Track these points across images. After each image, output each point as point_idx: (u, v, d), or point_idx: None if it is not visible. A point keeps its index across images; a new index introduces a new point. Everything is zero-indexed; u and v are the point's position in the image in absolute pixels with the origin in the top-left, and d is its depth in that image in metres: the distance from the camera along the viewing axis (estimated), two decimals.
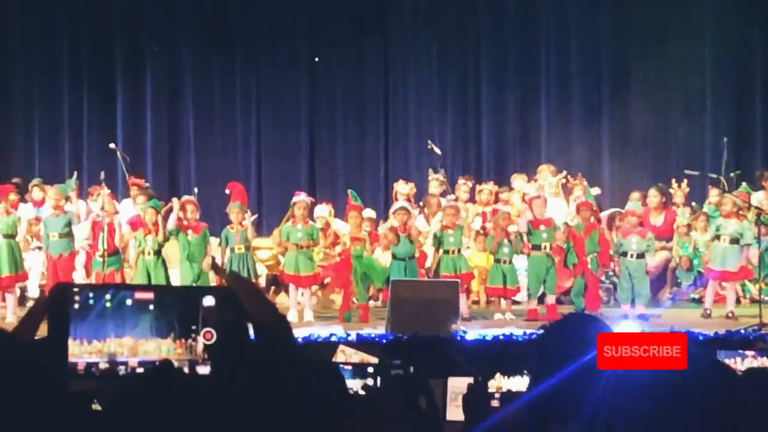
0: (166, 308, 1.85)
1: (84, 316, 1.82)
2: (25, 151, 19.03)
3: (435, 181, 15.94)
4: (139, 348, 1.83)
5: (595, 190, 15.56)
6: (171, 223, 13.25)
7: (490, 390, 6.88)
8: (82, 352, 1.81)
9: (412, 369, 5.41)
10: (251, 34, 19.25)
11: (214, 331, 1.81)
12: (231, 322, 1.81)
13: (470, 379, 6.57)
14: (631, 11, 18.76)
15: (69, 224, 13.60)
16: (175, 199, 13.72)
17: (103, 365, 1.83)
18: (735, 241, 13.28)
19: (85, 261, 14.36)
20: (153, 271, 12.99)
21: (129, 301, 1.83)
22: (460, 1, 19.46)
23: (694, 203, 15.77)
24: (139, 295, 1.84)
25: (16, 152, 19.03)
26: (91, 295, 1.83)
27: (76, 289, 1.84)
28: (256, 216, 15.67)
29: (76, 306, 1.82)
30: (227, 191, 13.87)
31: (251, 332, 1.79)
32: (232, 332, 1.80)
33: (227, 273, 2.20)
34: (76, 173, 15.40)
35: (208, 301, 1.83)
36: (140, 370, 1.84)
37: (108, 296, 1.84)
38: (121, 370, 1.84)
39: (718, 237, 13.42)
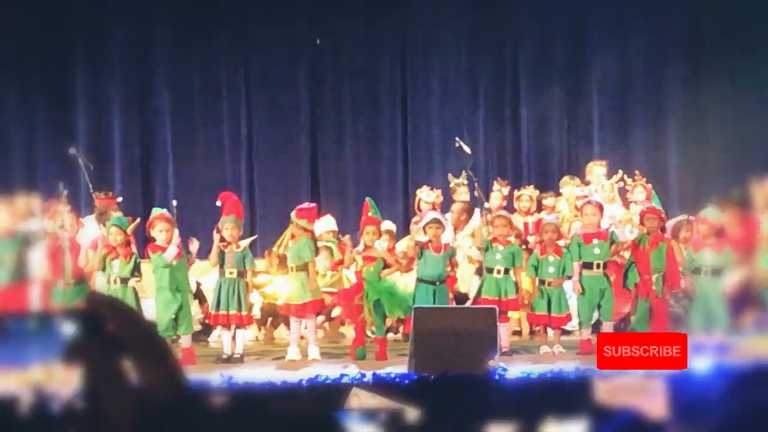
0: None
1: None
2: None
3: (462, 187, 15.97)
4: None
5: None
6: (171, 255, 13.16)
7: None
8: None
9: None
10: (239, 13, 19.29)
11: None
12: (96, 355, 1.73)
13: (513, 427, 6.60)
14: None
15: (21, 248, 13.60)
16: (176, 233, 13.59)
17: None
18: None
19: (41, 291, 14.35)
20: None
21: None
22: None
23: None
24: None
25: None
26: None
27: None
28: (255, 237, 15.70)
29: None
30: (218, 203, 13.85)
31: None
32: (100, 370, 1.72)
33: (88, 295, 2.05)
34: None
35: (68, 329, 1.77)
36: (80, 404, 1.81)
37: None
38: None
39: None
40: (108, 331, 1.69)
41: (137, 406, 1.64)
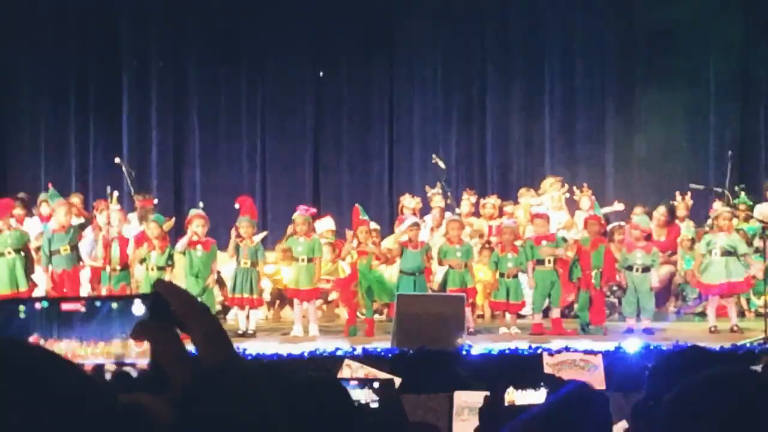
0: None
1: (90, 319, 1.81)
2: (32, 166, 19.01)
3: (437, 196, 15.95)
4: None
5: (619, 206, 15.63)
6: (181, 246, 13.18)
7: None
8: (88, 353, 1.79)
9: None
10: (257, 49, 19.28)
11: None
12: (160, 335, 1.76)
13: (479, 393, 6.56)
14: (635, 28, 18.80)
15: (75, 239, 13.56)
16: (190, 229, 13.55)
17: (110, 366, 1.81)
18: (727, 253, 13.24)
19: (91, 276, 14.33)
20: None
21: (114, 305, 1.80)
22: (466, 20, 19.41)
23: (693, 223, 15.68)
24: (66, 306, 1.81)
25: (23, 167, 19.02)
26: (21, 308, 1.80)
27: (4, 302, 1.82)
28: (266, 233, 15.68)
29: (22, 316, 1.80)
30: (236, 205, 13.84)
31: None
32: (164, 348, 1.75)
33: (157, 281, 2.09)
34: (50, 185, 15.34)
35: (137, 309, 1.78)
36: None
37: (38, 307, 1.82)
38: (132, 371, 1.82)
39: (710, 252, 13.36)
40: (172, 311, 1.72)
41: (194, 371, 1.67)
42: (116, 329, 1.79)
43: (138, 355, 1.78)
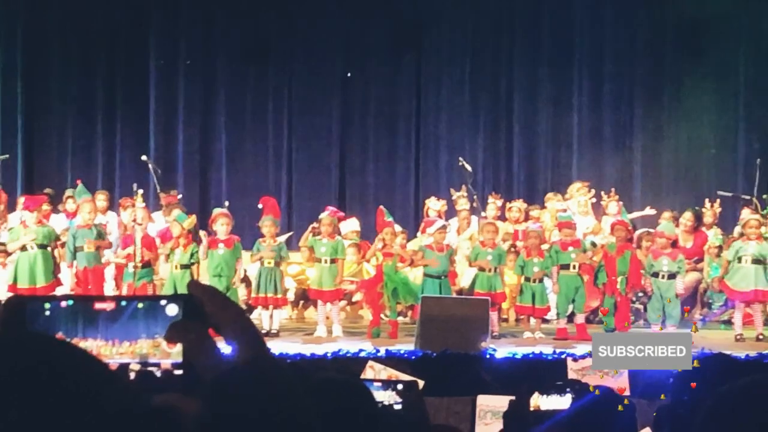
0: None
1: (115, 318, 1.80)
2: (59, 162, 19.07)
3: (462, 199, 15.92)
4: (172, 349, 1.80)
5: (650, 211, 15.56)
6: (201, 251, 13.19)
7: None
8: (113, 353, 1.78)
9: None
10: (285, 49, 19.27)
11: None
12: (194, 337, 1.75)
13: (502, 398, 6.52)
14: (665, 32, 18.73)
15: (100, 236, 13.58)
16: (203, 233, 13.57)
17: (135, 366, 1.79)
18: (757, 261, 13.15)
19: (115, 273, 14.35)
20: (180, 284, 12.84)
21: (163, 302, 1.80)
22: (495, 22, 19.40)
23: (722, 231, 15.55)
24: (99, 305, 1.79)
25: (50, 164, 19.09)
26: (47, 306, 1.78)
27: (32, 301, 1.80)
28: (291, 234, 15.67)
29: (47, 314, 1.79)
30: (260, 205, 13.84)
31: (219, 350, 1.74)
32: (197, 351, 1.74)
33: (190, 282, 2.07)
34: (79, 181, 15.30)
35: (171, 310, 1.77)
36: (178, 372, 1.80)
37: (64, 305, 1.81)
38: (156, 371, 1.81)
39: (739, 259, 13.28)
40: (205, 312, 1.71)
41: (226, 370, 1.66)
42: (142, 329, 1.78)
43: (162, 355, 1.77)
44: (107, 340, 1.77)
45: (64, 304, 1.77)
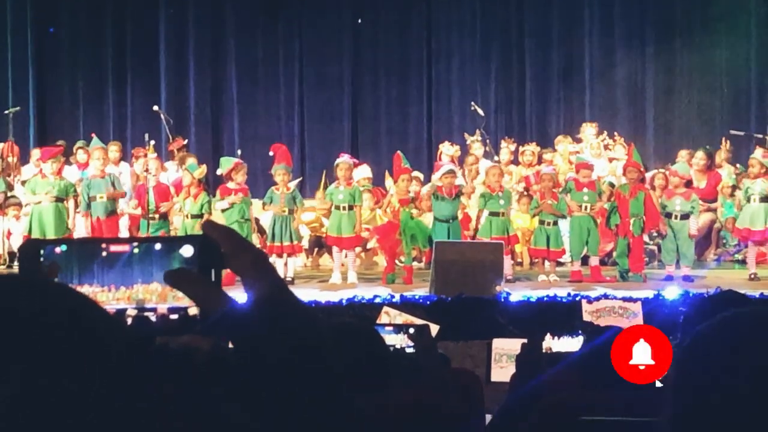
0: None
1: (112, 264, 1.77)
2: (70, 114, 19.08)
3: (476, 143, 15.87)
4: (168, 294, 1.77)
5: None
6: (221, 207, 13.06)
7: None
8: (109, 299, 1.76)
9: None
10: None
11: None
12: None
13: (517, 341, 6.52)
14: None
15: (113, 186, 13.55)
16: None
17: (131, 311, 1.77)
18: (765, 199, 13.07)
19: (129, 224, 14.36)
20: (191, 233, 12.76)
21: (157, 247, 1.76)
22: None
23: (738, 165, 15.52)
24: (114, 248, 1.76)
25: (61, 116, 19.09)
26: (61, 248, 1.76)
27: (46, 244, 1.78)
28: (300, 179, 15.64)
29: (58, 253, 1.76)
30: (271, 153, 13.78)
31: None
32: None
33: (205, 222, 2.05)
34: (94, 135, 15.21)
35: (187, 251, 1.73)
36: (173, 316, 1.77)
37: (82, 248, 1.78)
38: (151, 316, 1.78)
39: (748, 199, 13.22)
40: (221, 253, 1.65)
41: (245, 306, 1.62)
42: (137, 274, 1.76)
43: (158, 300, 1.75)
44: (103, 285, 1.75)
45: (58, 249, 1.75)
